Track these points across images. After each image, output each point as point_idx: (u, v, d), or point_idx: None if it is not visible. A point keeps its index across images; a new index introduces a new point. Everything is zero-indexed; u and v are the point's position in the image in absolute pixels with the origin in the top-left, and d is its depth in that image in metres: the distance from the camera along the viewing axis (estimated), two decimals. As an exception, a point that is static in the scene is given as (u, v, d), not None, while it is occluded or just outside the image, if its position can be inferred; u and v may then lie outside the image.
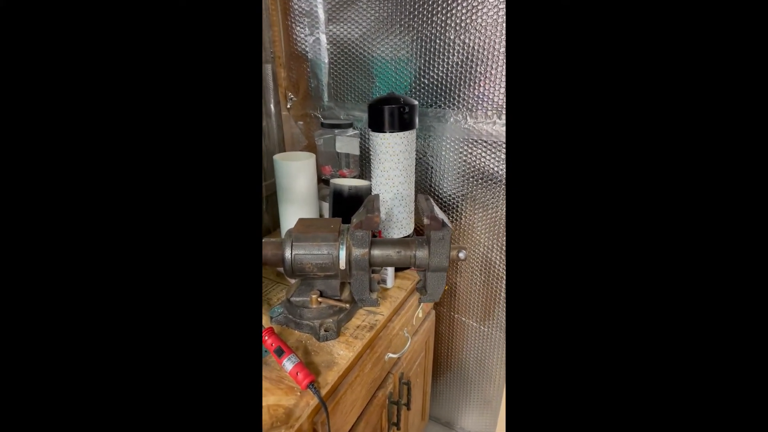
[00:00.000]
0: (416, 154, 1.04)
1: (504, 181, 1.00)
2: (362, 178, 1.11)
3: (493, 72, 0.92)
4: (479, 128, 0.98)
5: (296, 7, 1.11)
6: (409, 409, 0.98)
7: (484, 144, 0.99)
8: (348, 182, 0.96)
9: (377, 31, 1.02)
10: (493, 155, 0.99)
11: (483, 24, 0.90)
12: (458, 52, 0.94)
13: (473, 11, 0.90)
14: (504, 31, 0.88)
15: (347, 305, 0.77)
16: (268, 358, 0.68)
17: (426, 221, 0.70)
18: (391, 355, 0.84)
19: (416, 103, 0.88)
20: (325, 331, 0.74)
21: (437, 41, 0.96)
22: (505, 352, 1.12)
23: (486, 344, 1.18)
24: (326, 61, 1.12)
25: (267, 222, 1.20)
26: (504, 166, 0.98)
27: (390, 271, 0.90)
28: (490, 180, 1.01)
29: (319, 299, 0.74)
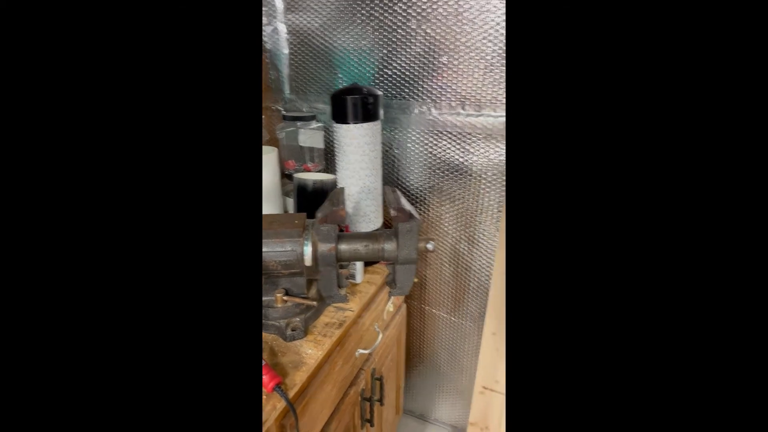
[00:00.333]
0: (382, 147, 1.02)
1: (470, 172, 1.00)
2: (327, 172, 1.09)
3: (456, 63, 0.92)
4: (444, 119, 0.98)
5: (252, -6, 1.06)
6: (382, 404, 0.97)
7: (450, 135, 0.99)
8: (312, 176, 0.93)
9: (338, 20, 0.99)
10: (458, 147, 0.99)
11: (444, 14, 0.89)
12: (420, 42, 0.93)
13: (434, 0, 0.89)
14: (465, 23, 0.88)
15: (315, 303, 0.74)
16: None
17: (393, 213, 0.69)
18: (362, 351, 0.82)
19: (380, 93, 0.87)
20: (292, 330, 0.71)
21: (399, 31, 0.95)
22: (477, 341, 1.13)
23: (457, 335, 1.19)
24: (286, 51, 1.08)
25: (229, 221, 1.14)
26: (469, 157, 0.99)
27: (359, 265, 0.88)
28: (456, 171, 1.01)
29: (285, 298, 0.72)
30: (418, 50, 0.94)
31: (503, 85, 0.89)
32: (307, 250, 0.67)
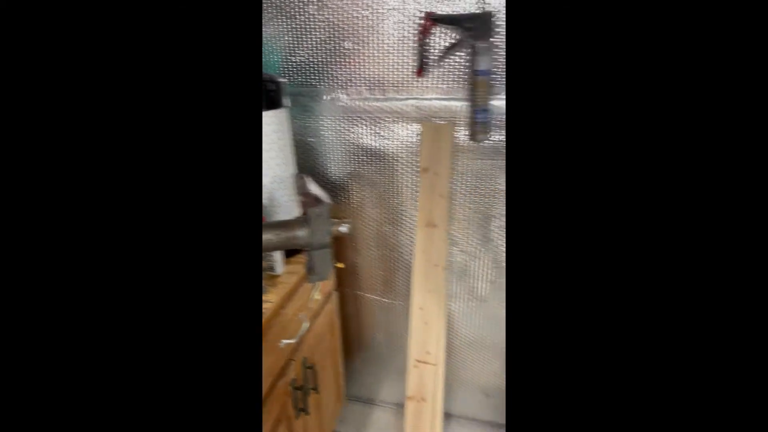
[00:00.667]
0: (295, 136, 1.01)
1: (385, 155, 1.02)
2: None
3: (359, 48, 0.93)
4: (354, 105, 0.99)
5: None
6: (317, 392, 0.98)
7: (362, 121, 1.00)
8: (222, 170, 0.90)
9: (236, 7, 0.96)
10: (371, 132, 1.01)
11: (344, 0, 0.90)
12: (322, 28, 0.93)
13: (331, -14, 0.89)
14: (363, 7, 0.89)
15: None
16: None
17: (301, 199, 0.69)
18: (286, 341, 0.82)
19: (283, 79, 0.86)
20: (206, 328, 0.69)
21: (299, 17, 0.94)
22: (409, 320, 1.17)
23: (391, 315, 1.22)
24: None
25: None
26: (383, 141, 1.01)
27: (278, 256, 0.87)
28: (373, 156, 1.03)
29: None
30: (321, 36, 0.94)
31: (406, 67, 0.92)
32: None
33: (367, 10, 0.89)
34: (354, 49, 0.93)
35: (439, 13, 0.81)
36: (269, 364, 0.77)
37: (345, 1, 0.90)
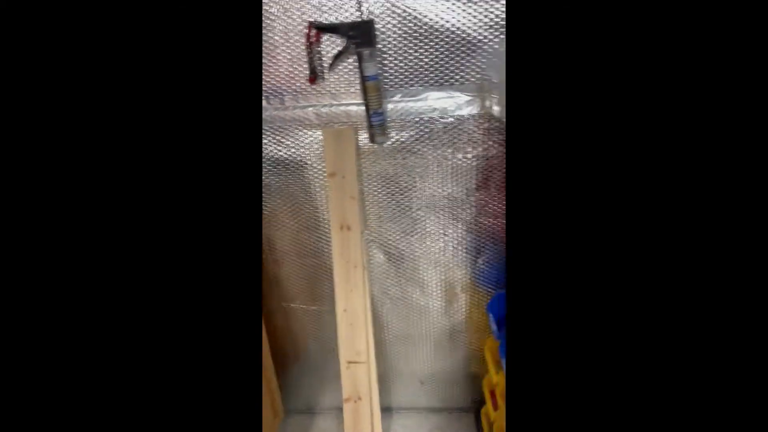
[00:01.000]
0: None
1: (292, 163, 1.03)
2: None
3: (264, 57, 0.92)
4: (254, 116, 0.97)
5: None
6: (248, 412, 0.95)
7: (264, 132, 0.99)
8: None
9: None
10: (275, 141, 1.00)
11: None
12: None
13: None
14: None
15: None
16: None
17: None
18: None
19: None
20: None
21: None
22: (336, 325, 1.18)
23: (321, 323, 1.23)
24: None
25: None
26: (288, 149, 1.01)
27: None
28: (281, 166, 1.03)
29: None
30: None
31: (302, 76, 0.93)
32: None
33: (272, 20, 0.88)
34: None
35: (322, 22, 0.83)
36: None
37: None
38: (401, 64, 0.90)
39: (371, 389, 1.13)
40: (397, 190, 1.04)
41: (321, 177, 1.04)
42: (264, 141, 1.00)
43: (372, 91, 0.86)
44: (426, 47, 0.89)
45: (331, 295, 1.17)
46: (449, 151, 0.98)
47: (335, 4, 0.83)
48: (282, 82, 0.94)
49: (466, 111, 0.94)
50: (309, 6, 0.84)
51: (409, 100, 0.93)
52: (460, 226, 1.07)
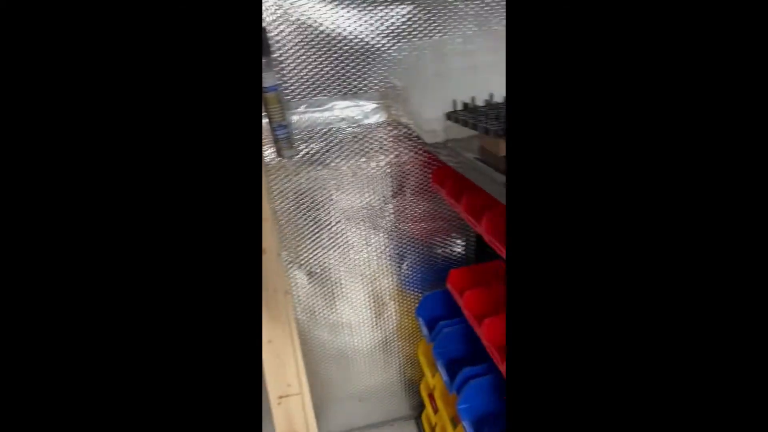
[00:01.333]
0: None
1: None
2: None
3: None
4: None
5: None
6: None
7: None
8: None
9: None
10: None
11: None
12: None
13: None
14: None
15: None
16: None
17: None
18: None
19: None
20: None
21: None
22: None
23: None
24: None
25: None
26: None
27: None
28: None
29: None
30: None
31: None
32: None
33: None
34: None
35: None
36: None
37: None
38: (302, 74, 0.86)
39: (307, 421, 1.05)
40: (313, 205, 0.99)
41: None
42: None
43: (272, 102, 0.80)
44: (326, 56, 0.86)
45: (252, 327, 1.07)
46: (362, 160, 0.96)
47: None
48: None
49: (373, 119, 0.93)
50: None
51: (314, 111, 0.90)
52: (381, 235, 1.06)
